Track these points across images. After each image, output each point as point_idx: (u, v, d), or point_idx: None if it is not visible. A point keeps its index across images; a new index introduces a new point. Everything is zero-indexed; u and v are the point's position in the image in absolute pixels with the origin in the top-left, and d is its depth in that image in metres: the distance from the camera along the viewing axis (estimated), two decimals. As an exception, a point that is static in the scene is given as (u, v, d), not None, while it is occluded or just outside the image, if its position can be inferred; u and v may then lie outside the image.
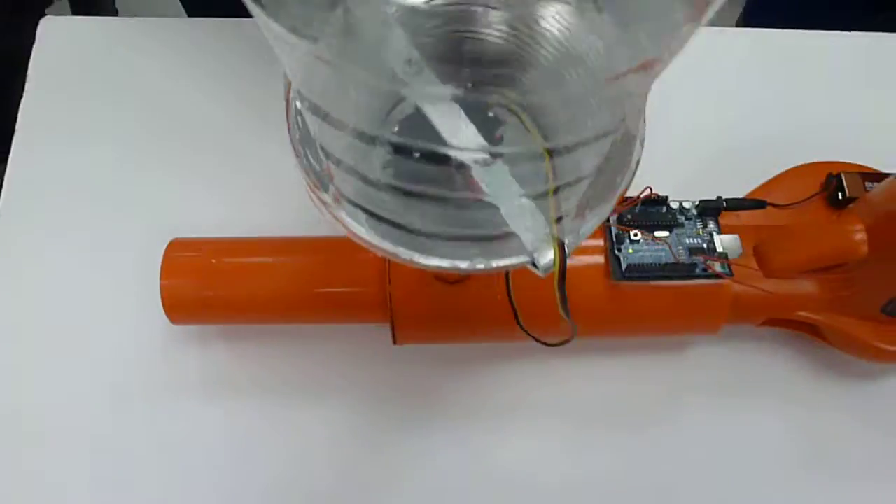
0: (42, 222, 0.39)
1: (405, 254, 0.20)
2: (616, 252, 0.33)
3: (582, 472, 0.36)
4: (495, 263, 0.20)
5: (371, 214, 0.19)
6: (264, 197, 0.39)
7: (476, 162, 0.20)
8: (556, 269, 0.20)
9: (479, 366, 0.38)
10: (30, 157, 0.40)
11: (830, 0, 0.51)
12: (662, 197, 0.34)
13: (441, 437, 0.36)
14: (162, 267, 0.34)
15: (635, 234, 0.33)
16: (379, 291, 0.34)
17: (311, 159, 0.20)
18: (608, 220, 0.34)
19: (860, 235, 0.33)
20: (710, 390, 0.38)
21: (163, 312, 0.35)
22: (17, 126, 0.41)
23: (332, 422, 0.36)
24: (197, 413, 0.36)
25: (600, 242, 0.34)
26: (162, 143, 0.41)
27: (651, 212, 0.34)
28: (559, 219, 0.19)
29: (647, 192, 0.33)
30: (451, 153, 0.18)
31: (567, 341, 0.25)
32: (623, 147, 0.21)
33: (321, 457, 0.36)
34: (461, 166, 0.19)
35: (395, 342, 0.35)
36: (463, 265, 0.20)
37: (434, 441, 0.36)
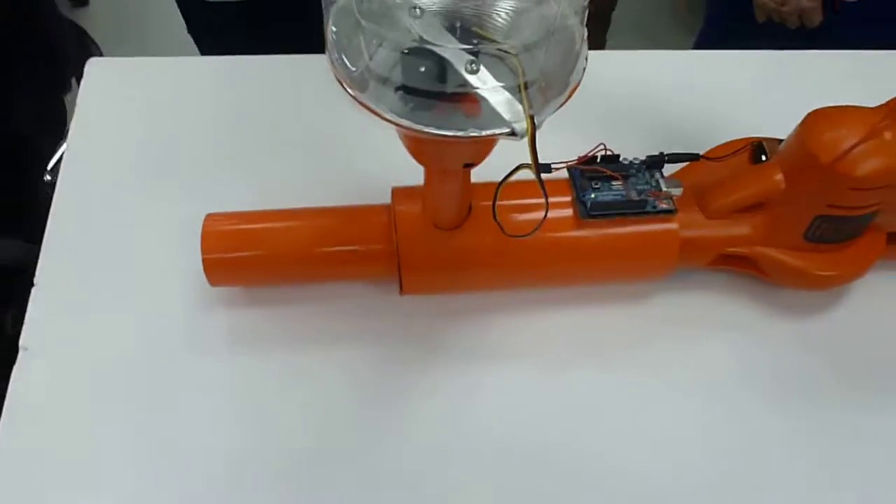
0: (93, 217, 0.46)
1: (420, 126, 0.27)
2: (582, 198, 0.40)
3: (567, 396, 0.41)
4: (485, 132, 0.27)
5: (399, 89, 0.27)
6: (282, 185, 0.46)
7: (467, 69, 0.27)
8: (529, 133, 0.27)
9: (476, 315, 0.44)
10: (78, 173, 0.48)
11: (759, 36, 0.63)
12: (615, 155, 0.42)
13: (442, 376, 0.42)
14: (202, 236, 0.41)
15: (596, 184, 0.41)
16: (386, 247, 0.41)
17: (348, 65, 0.27)
18: (571, 172, 0.41)
19: (778, 176, 0.41)
20: (675, 329, 0.44)
21: (197, 280, 0.41)
22: (69, 140, 0.48)
23: (347, 367, 0.42)
24: (227, 362, 0.41)
25: (568, 198, 0.41)
26: (191, 151, 0.48)
27: (607, 166, 0.41)
28: (527, 85, 0.26)
29: (602, 147, 0.41)
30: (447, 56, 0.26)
31: (538, 227, 0.31)
32: (569, 58, 0.29)
33: (338, 396, 0.41)
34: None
35: (401, 291, 0.41)
36: (461, 133, 0.27)
37: (437, 379, 0.42)
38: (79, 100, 0.50)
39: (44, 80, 1.00)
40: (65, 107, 1.03)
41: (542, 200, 0.34)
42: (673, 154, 0.42)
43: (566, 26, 0.28)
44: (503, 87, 0.27)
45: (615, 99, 0.52)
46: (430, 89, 0.27)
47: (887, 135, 0.38)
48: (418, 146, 0.32)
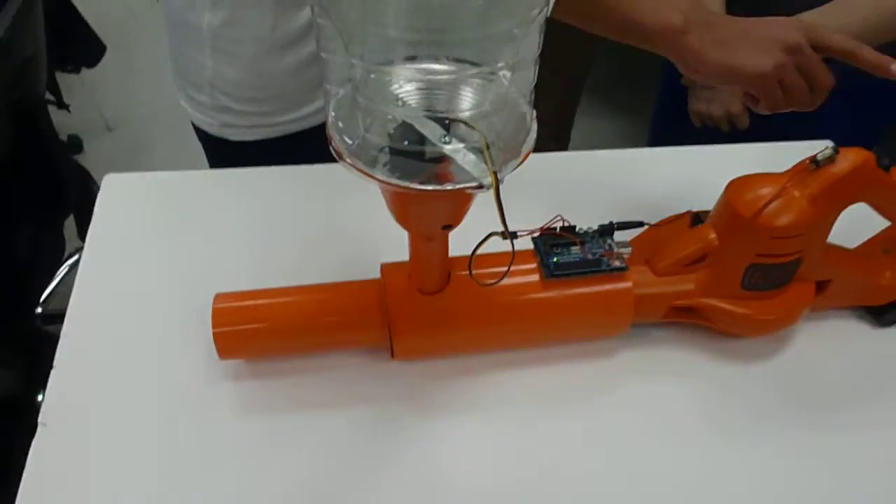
0: (108, 303, 0.51)
1: (407, 182, 0.33)
2: (546, 261, 0.46)
3: (547, 442, 0.45)
4: (459, 185, 0.33)
5: (390, 151, 0.33)
6: (282, 269, 0.52)
7: (441, 140, 0.34)
8: (494, 186, 0.33)
9: (460, 377, 0.48)
10: (96, 269, 0.53)
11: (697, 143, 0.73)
12: (572, 226, 0.48)
13: (432, 430, 0.46)
14: (212, 313, 0.45)
15: (557, 250, 0.47)
16: (378, 314, 0.46)
17: (346, 140, 0.34)
18: (535, 242, 0.47)
19: (713, 235, 0.48)
20: (637, 380, 0.49)
21: (206, 356, 0.45)
22: (87, 240, 0.54)
23: (343, 428, 0.45)
24: (233, 429, 0.45)
25: (534, 265, 0.48)
26: (197, 246, 0.54)
27: (565, 234, 0.48)
28: (488, 146, 0.33)
29: (559, 218, 0.47)
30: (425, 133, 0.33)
31: (507, 272, 0.37)
32: (521, 129, 0.36)
33: (334, 453, 0.44)
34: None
35: (393, 355, 0.46)
36: (439, 187, 0.33)
37: (425, 433, 0.45)
38: (96, 209, 0.56)
39: (46, 219, 1.06)
40: (64, 242, 1.08)
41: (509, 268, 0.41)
42: (621, 223, 0.49)
43: (517, 104, 0.36)
44: (470, 149, 0.33)
45: (570, 188, 0.60)
46: (412, 151, 0.33)
47: (796, 192, 0.45)
48: (404, 209, 0.38)
